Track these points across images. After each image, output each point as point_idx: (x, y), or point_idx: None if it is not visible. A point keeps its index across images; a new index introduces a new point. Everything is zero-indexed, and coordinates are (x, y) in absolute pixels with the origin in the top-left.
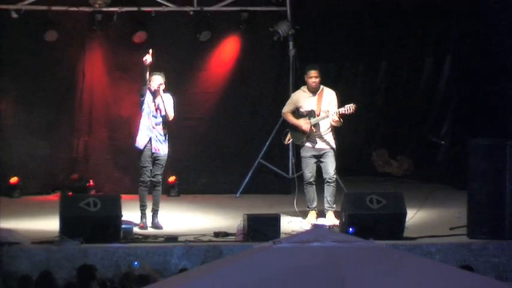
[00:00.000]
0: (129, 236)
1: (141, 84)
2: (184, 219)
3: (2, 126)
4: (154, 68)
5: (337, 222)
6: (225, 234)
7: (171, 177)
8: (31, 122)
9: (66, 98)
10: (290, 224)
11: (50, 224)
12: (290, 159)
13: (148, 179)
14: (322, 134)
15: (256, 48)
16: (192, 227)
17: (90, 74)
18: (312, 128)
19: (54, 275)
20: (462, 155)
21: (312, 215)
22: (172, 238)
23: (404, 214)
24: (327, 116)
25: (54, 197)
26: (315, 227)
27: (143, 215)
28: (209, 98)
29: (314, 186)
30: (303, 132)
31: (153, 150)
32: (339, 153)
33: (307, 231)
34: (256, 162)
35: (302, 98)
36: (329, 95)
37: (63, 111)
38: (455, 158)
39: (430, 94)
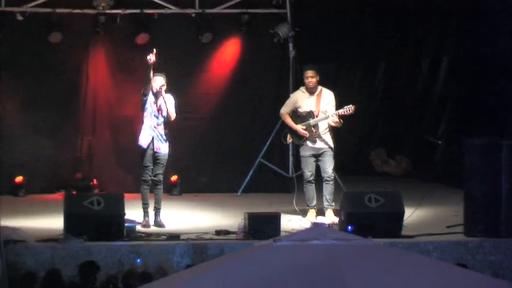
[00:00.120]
0: (132, 234)
1: (144, 84)
2: (186, 217)
3: (8, 126)
4: (157, 69)
5: (336, 220)
6: (226, 232)
7: (173, 176)
8: (36, 122)
9: (70, 98)
10: (290, 222)
11: (54, 222)
12: (290, 159)
13: (150, 178)
14: (321, 134)
15: (257, 49)
16: (194, 225)
17: (94, 75)
18: (312, 128)
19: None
20: (459, 154)
21: (312, 213)
22: (174, 236)
23: (402, 213)
24: (326, 117)
25: (59, 196)
26: (315, 225)
27: (146, 214)
28: (210, 99)
29: (313, 185)
30: (301, 136)
31: (155, 150)
32: (338, 153)
33: (307, 230)
34: (257, 161)
35: (301, 99)
36: (327, 96)
37: (67, 111)
38: (452, 157)
39: (427, 94)
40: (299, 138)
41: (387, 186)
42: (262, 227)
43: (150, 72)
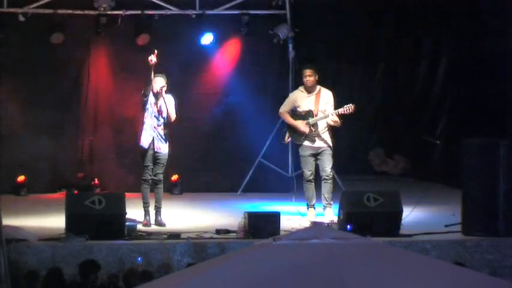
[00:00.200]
0: (133, 233)
1: (145, 85)
2: (186, 216)
3: (10, 126)
4: (157, 69)
5: (335, 218)
6: (227, 231)
7: (174, 175)
8: (37, 122)
9: (71, 99)
10: (289, 221)
11: (56, 222)
12: (289, 158)
13: (150, 177)
14: (320, 133)
15: (257, 50)
16: (194, 224)
17: (95, 76)
18: (311, 127)
19: (62, 271)
20: (457, 154)
21: (311, 212)
22: (175, 235)
23: (401, 212)
24: (326, 116)
25: (60, 195)
26: (314, 224)
27: (146, 213)
28: (211, 99)
29: (313, 184)
30: (302, 133)
31: (155, 150)
32: (337, 153)
33: (306, 229)
34: (257, 161)
35: (300, 98)
36: (326, 95)
37: (69, 112)
38: (451, 157)
39: (426, 95)
40: (298, 136)
41: (386, 185)
42: (262, 226)
43: (150, 73)
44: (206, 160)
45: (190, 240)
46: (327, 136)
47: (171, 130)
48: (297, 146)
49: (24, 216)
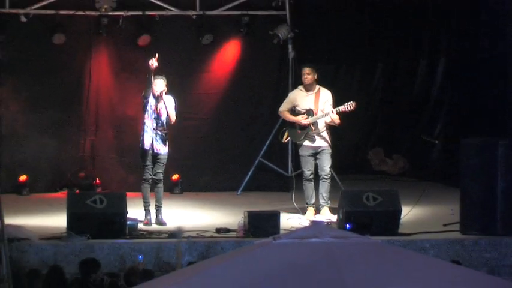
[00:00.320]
0: (134, 232)
1: (145, 87)
2: (187, 216)
3: (12, 126)
4: (158, 70)
5: (333, 217)
6: (227, 230)
7: (174, 175)
8: (39, 122)
9: (73, 99)
10: (289, 220)
11: (57, 221)
12: (289, 158)
13: (150, 176)
14: (320, 131)
15: (257, 51)
16: (195, 223)
17: (97, 76)
18: (311, 125)
19: (63, 269)
20: (455, 154)
21: (310, 211)
22: (175, 234)
23: (400, 211)
24: (326, 114)
25: (62, 195)
26: (313, 223)
27: (147, 212)
28: (211, 99)
29: (312, 183)
30: (302, 128)
31: (155, 150)
32: (336, 152)
33: (305, 228)
34: (257, 161)
35: (299, 97)
36: (325, 95)
37: (70, 111)
38: (449, 157)
39: (424, 95)
40: (298, 136)
41: (385, 185)
42: (261, 225)
43: (151, 77)
44: (206, 160)
45: (191, 239)
46: (326, 135)
47: (171, 131)
48: (296, 146)
49: (26, 216)
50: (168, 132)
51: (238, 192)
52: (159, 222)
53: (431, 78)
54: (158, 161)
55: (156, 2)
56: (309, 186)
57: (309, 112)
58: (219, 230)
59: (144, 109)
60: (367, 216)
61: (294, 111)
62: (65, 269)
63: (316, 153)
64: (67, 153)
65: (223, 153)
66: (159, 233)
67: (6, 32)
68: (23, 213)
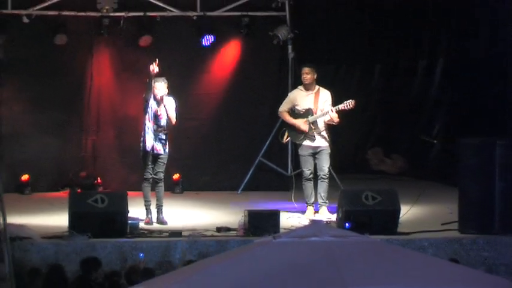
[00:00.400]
0: (135, 231)
1: (146, 90)
2: (187, 215)
3: (14, 126)
4: (159, 73)
5: (331, 217)
6: (227, 229)
7: (175, 175)
8: (41, 122)
9: (75, 99)
10: (289, 219)
11: (59, 220)
12: (289, 158)
13: (151, 176)
14: (320, 131)
15: (257, 51)
16: (196, 222)
17: (98, 76)
18: (311, 125)
19: (64, 268)
20: (454, 153)
21: (310, 210)
22: (176, 233)
23: (399, 210)
24: (326, 113)
25: (64, 194)
26: (313, 222)
27: (148, 211)
28: (211, 99)
29: (312, 182)
30: (301, 131)
31: (155, 151)
32: (336, 152)
33: (305, 227)
34: (257, 160)
35: (299, 97)
36: (325, 95)
37: (72, 111)
38: (448, 156)
39: (424, 95)
40: (297, 136)
41: (384, 184)
42: (261, 224)
43: (151, 81)
44: (207, 159)
45: (191, 238)
46: (325, 135)
47: (172, 132)
48: (296, 146)
49: (28, 215)
50: (169, 133)
51: (239, 192)
52: (160, 221)
53: (431, 78)
54: (159, 160)
55: (157, 2)
56: (309, 186)
57: (309, 111)
58: (219, 229)
59: (144, 111)
60: (366, 216)
61: (293, 111)
62: (67, 268)
63: (315, 153)
64: (69, 153)
65: (223, 153)
66: (160, 231)
67: (8, 33)
68: (25, 212)
